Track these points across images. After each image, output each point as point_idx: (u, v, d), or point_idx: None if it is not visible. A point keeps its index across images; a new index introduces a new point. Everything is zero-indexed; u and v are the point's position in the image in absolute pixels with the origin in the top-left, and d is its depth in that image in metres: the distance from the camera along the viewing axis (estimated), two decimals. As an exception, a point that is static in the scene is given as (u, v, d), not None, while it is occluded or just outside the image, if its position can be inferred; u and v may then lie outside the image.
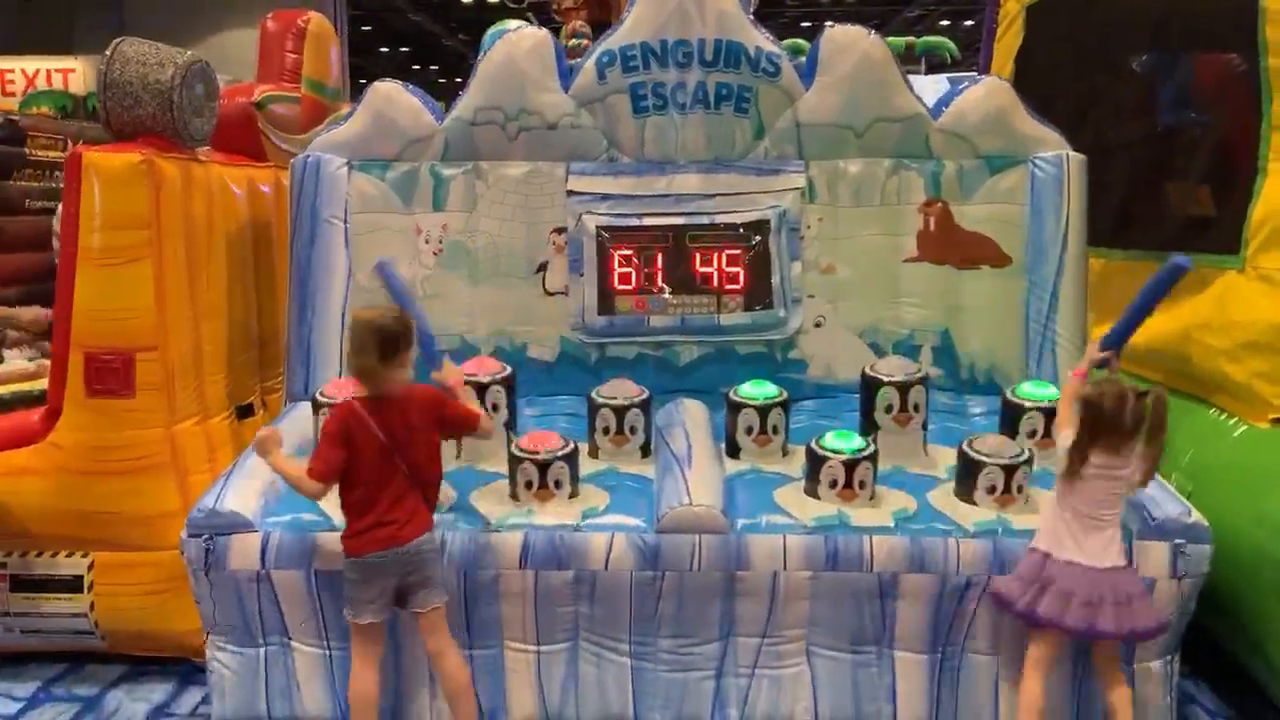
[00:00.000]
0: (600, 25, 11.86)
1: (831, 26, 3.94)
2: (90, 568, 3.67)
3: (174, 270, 3.67)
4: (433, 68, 34.05)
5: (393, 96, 3.97)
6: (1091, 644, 3.05)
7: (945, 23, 26.56)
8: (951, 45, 16.26)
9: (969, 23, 26.47)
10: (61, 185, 6.40)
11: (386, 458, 2.93)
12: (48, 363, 4.16)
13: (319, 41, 4.91)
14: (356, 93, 5.63)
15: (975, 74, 8.34)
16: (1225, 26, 3.88)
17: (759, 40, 3.88)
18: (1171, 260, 3.27)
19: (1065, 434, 2.98)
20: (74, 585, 3.67)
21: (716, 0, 3.84)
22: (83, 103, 8.58)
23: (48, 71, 18.41)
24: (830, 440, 3.33)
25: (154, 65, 3.68)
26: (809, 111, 3.92)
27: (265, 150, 4.52)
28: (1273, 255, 3.45)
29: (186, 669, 3.77)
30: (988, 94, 3.92)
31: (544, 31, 4.01)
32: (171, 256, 3.66)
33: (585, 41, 10.66)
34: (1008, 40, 5.87)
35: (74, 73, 18.50)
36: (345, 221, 3.93)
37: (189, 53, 3.80)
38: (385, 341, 2.91)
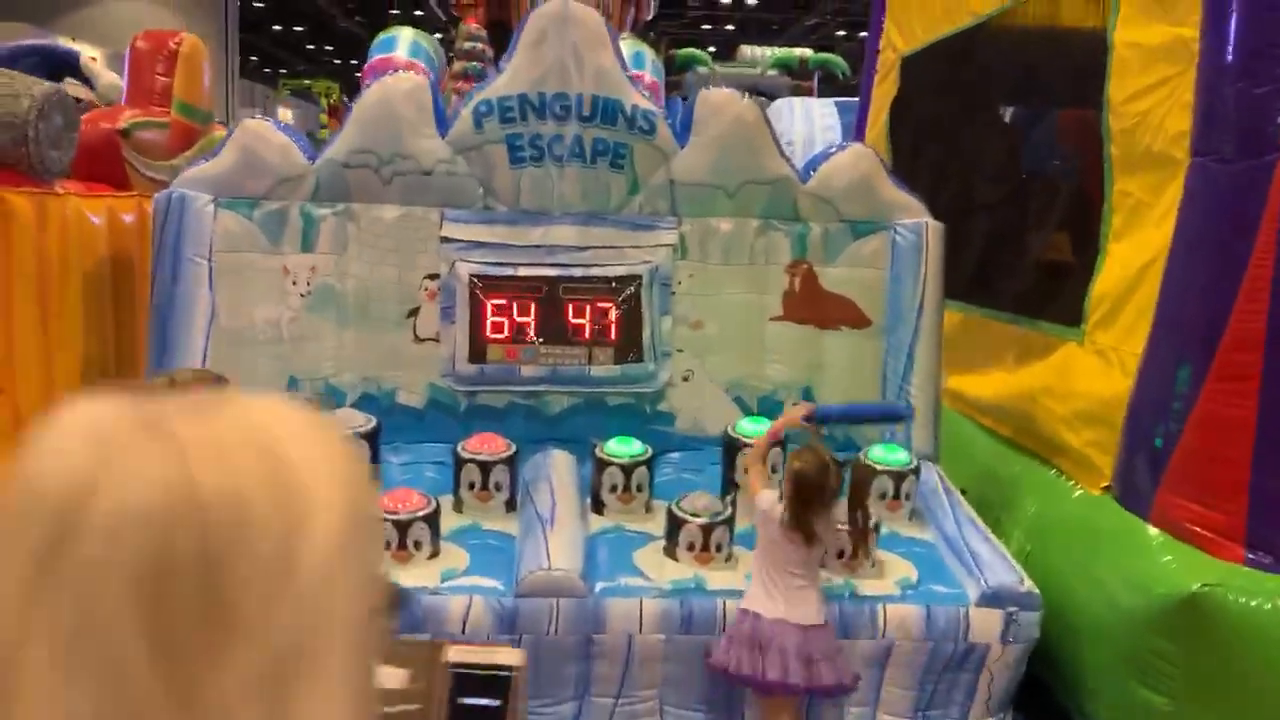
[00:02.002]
0: (498, 25, 11.81)
1: (708, 89, 4.02)
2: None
3: (24, 309, 3.56)
4: (327, 48, 33.26)
5: (263, 134, 3.90)
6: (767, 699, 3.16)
7: (842, 33, 27.12)
8: (843, 63, 16.69)
9: (865, 34, 27.14)
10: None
11: None
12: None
13: (191, 63, 4.77)
14: (247, 71, 5.48)
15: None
16: (1084, 96, 4.09)
17: (636, 98, 3.93)
18: (900, 406, 3.81)
19: (765, 495, 3.13)
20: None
21: (595, 57, 3.87)
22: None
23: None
24: (690, 502, 3.42)
25: (7, 96, 3.54)
26: (683, 170, 3.99)
27: (129, 178, 4.39)
28: (1108, 333, 3.65)
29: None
30: (854, 160, 4.05)
31: (422, 78, 4.00)
32: (22, 295, 3.54)
33: (480, 45, 10.59)
34: (886, 87, 6.07)
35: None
36: (210, 260, 3.85)
37: (46, 82, 3.67)
38: None
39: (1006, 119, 5.06)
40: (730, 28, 29.16)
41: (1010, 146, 5.00)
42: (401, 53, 7.81)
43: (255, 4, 25.75)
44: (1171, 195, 3.35)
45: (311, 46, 32.53)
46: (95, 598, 0.54)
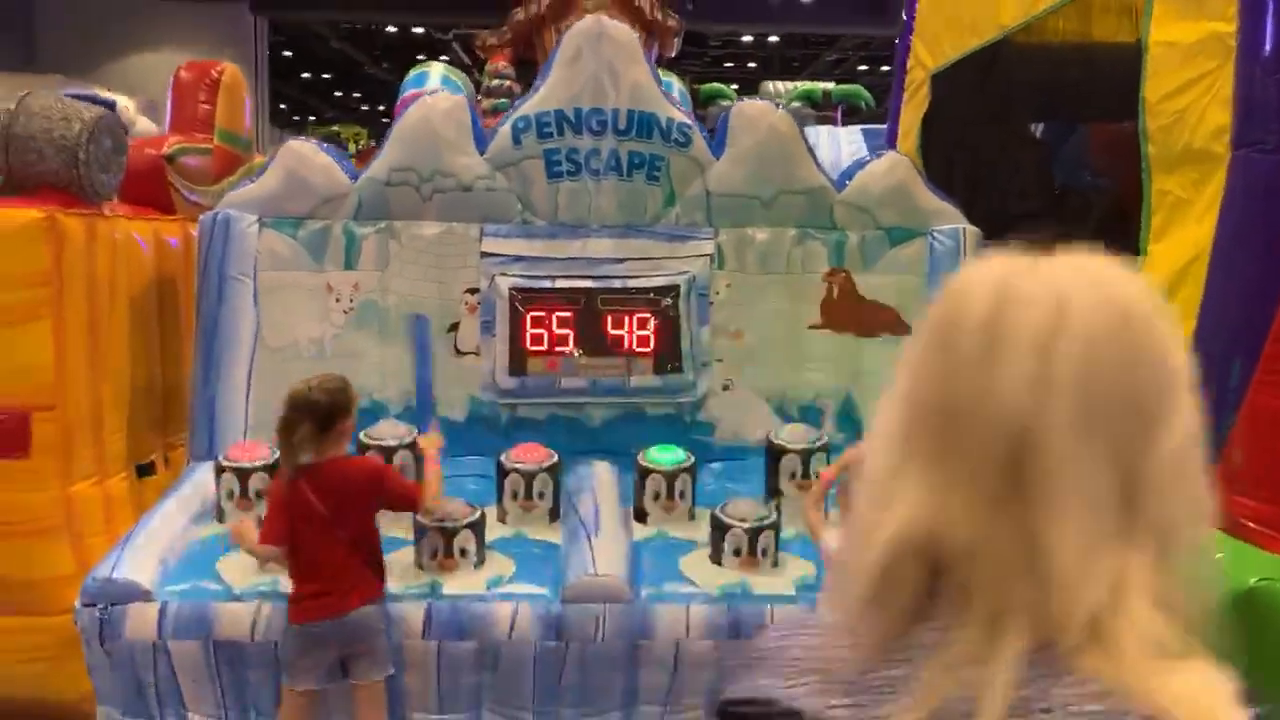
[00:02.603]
0: (525, 64, 11.96)
1: (741, 100, 4.05)
2: (-23, 633, 3.55)
3: (75, 328, 3.61)
4: (355, 94, 33.78)
5: (306, 155, 3.97)
6: None
7: (864, 68, 27.25)
8: (867, 94, 16.76)
9: (886, 69, 27.25)
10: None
11: (325, 528, 2.92)
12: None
13: (232, 92, 4.87)
14: (276, 118, 5.60)
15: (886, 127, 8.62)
16: (1118, 103, 4.09)
17: (671, 111, 3.97)
18: None
19: (831, 536, 2.82)
20: (-41, 651, 3.55)
21: (630, 73, 3.93)
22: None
23: (-47, 91, 17.85)
24: (734, 508, 3.40)
25: (59, 120, 3.63)
26: (718, 181, 4.02)
27: (174, 202, 4.47)
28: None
29: (77, 737, 3.66)
30: (889, 168, 4.06)
31: (461, 96, 4.07)
32: (72, 314, 3.60)
33: (508, 82, 10.74)
34: (915, 104, 6.09)
35: (-19, 92, 17.96)
36: (254, 279, 3.90)
37: (97, 107, 3.76)
38: (321, 415, 2.91)
39: (1038, 128, 5.06)
40: (752, 65, 29.38)
41: (1043, 155, 5.01)
42: (433, 87, 7.95)
43: (284, 53, 26.26)
44: (1212, 191, 3.33)
45: (339, 93, 33.05)
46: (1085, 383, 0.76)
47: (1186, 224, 3.48)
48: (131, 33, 20.87)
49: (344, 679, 3.02)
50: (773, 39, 27.19)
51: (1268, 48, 3.08)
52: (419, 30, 24.63)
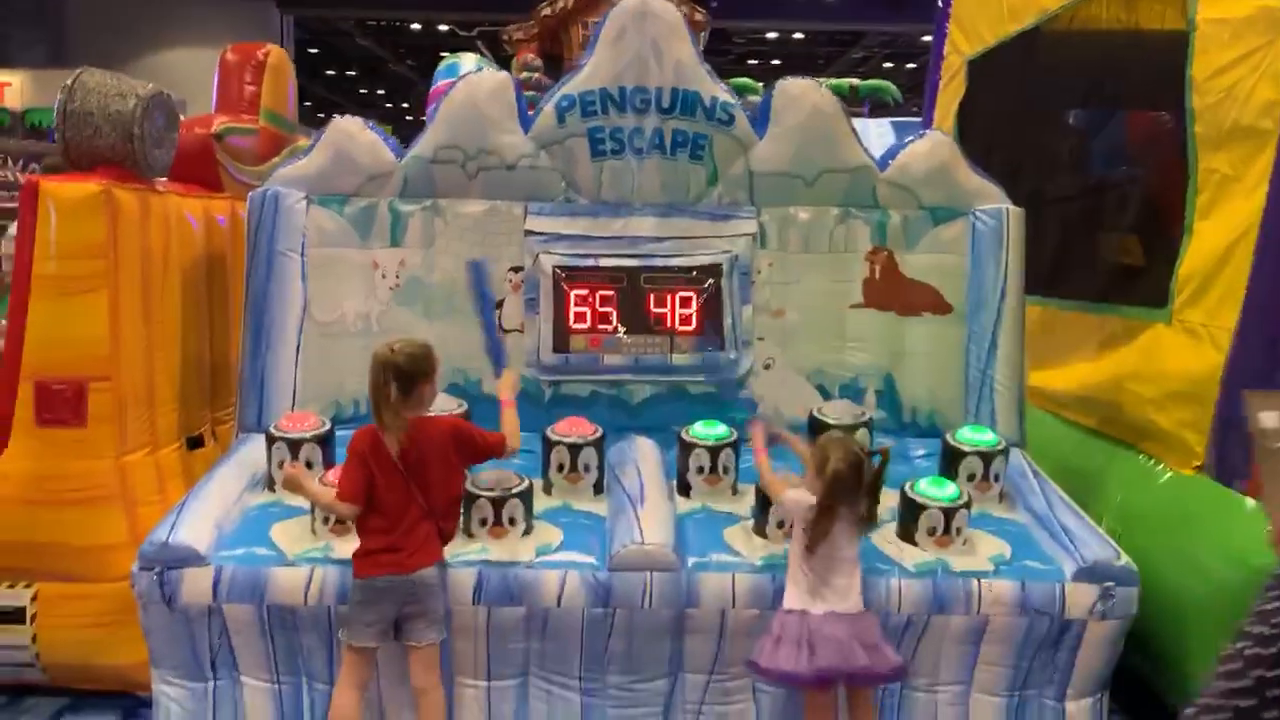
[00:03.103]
0: (552, 58, 12.02)
1: (772, 67, 4.06)
2: (34, 599, 3.62)
3: (129, 300, 3.67)
4: (379, 91, 33.95)
5: (353, 133, 4.01)
6: (849, 696, 3.14)
7: (889, 65, 27.17)
8: (894, 89, 16.70)
9: (911, 65, 27.16)
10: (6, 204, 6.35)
11: (403, 485, 2.99)
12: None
13: (277, 74, 4.94)
14: (301, 114, 5.67)
15: (919, 119, 8.64)
16: (1156, 89, 4.09)
17: (715, 90, 3.99)
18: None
19: (790, 495, 3.11)
20: (16, 616, 3.62)
21: (674, 50, 3.95)
22: (21, 118, 8.47)
23: (-19, 84, 18.08)
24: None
25: (115, 96, 3.69)
26: (761, 160, 4.04)
27: (221, 181, 4.53)
28: (1197, 310, 3.62)
29: (129, 703, 3.73)
30: (932, 148, 4.07)
31: (505, 74, 4.10)
32: (127, 286, 3.66)
33: (537, 75, 10.79)
34: (951, 92, 6.11)
35: (10, 86, 18.21)
36: (302, 255, 3.95)
37: (150, 84, 3.82)
38: (403, 378, 2.98)
39: (1079, 111, 5.05)
40: (776, 62, 29.36)
41: (1084, 139, 5.00)
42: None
43: (309, 50, 26.43)
44: (1261, 166, 3.34)
45: (364, 90, 33.23)
46: None
47: (1234, 201, 3.48)
48: (159, 29, 21.08)
49: (398, 640, 3.07)
50: (797, 36, 27.15)
51: (1319, 22, 3.09)
52: (444, 27, 24.76)
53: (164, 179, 4.11)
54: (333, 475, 3.23)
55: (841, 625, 3.00)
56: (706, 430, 3.73)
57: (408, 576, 3.00)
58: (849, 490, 3.04)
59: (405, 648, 3.08)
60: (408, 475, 3.00)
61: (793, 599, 3.08)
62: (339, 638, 3.09)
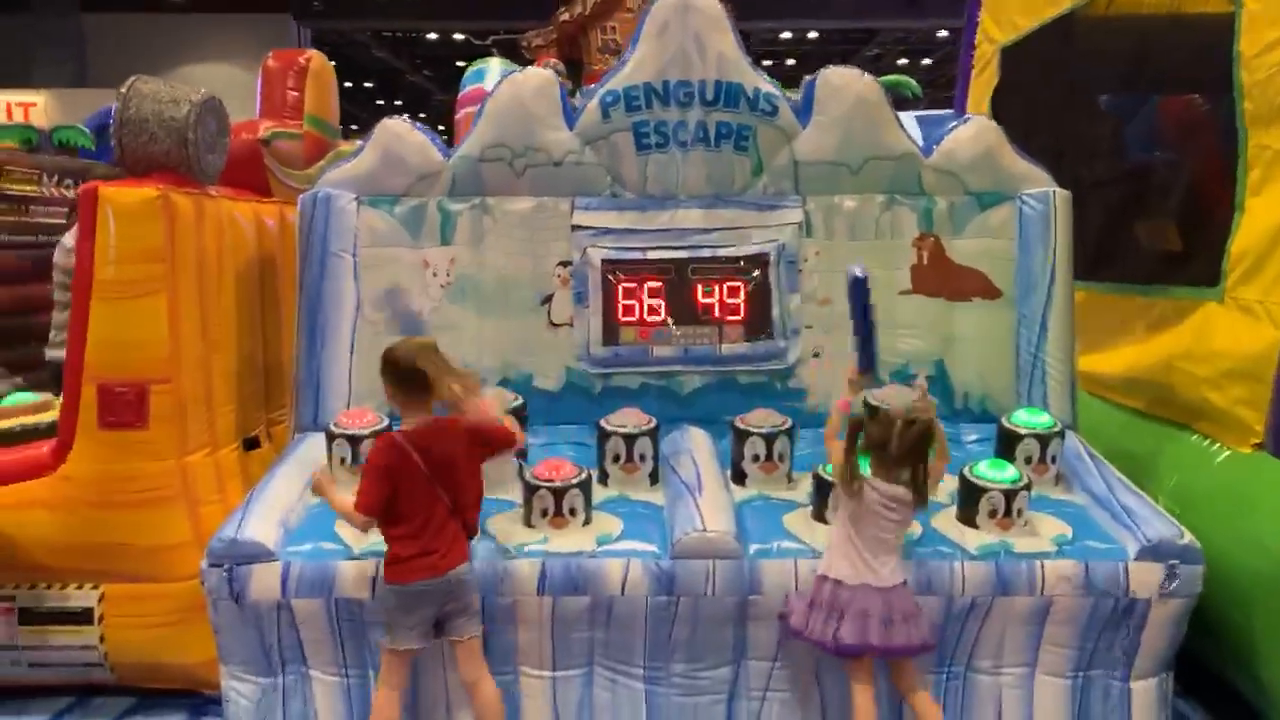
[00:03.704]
0: (571, 63, 12.06)
1: (828, 69, 4.09)
2: (100, 599, 3.67)
3: (187, 303, 3.72)
4: (397, 103, 34.15)
5: (401, 134, 4.05)
6: (890, 662, 3.16)
7: (903, 61, 27.13)
8: (914, 83, 16.59)
9: (927, 61, 27.10)
10: (37, 219, 6.44)
11: (428, 488, 3.00)
12: (52, 396, 4.19)
13: (320, 80, 4.99)
14: None
15: (943, 112, 8.62)
16: (1198, 69, 4.08)
17: (758, 81, 4.01)
18: (850, 272, 3.43)
19: (834, 445, 3.22)
20: (84, 617, 3.67)
21: (716, 43, 3.97)
22: (49, 136, 8.56)
23: (9, 105, 18.34)
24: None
25: (169, 102, 3.74)
26: (805, 149, 4.05)
27: (270, 185, 4.58)
28: (1251, 287, 3.61)
29: (196, 701, 3.78)
30: (977, 133, 4.07)
31: (550, 72, 4.13)
32: (185, 290, 3.71)
33: (559, 78, 10.75)
34: (984, 80, 6.10)
35: (35, 106, 18.46)
36: (354, 255, 3.99)
37: (202, 90, 3.87)
38: (415, 375, 2.99)
39: (1117, 97, 5.04)
40: (791, 62, 29.35)
41: (1124, 124, 4.98)
42: (493, 83, 8.00)
43: (327, 62, 26.64)
44: (1315, 141, 3.33)
45: (381, 101, 33.44)
46: None
47: (1288, 177, 3.47)
48: (179, 47, 21.34)
49: (438, 638, 3.11)
50: (812, 35, 27.13)
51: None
52: (459, 36, 24.90)
53: (215, 183, 4.15)
54: None
55: (873, 598, 3.03)
56: (761, 418, 3.74)
57: (446, 576, 3.02)
58: (873, 442, 3.07)
59: (450, 644, 3.11)
60: (433, 477, 3.01)
61: (826, 565, 3.12)
62: (378, 642, 3.11)
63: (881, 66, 27.37)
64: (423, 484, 3.01)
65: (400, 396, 3.08)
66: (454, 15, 23.93)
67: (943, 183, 4.07)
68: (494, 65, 8.88)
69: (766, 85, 4.03)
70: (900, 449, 3.07)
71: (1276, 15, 3.49)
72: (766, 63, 28.94)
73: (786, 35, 27.47)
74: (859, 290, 3.39)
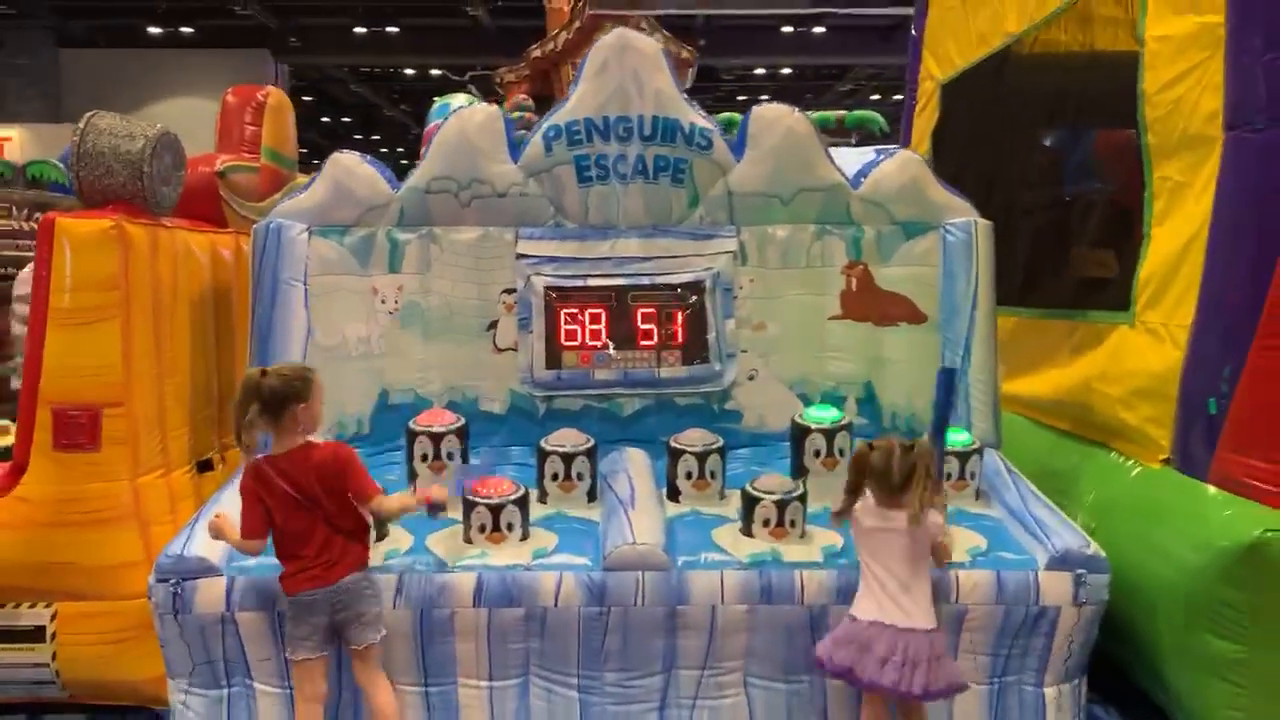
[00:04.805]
0: (542, 99, 12.28)
1: (760, 103, 4.29)
2: (53, 618, 3.77)
3: (141, 329, 3.86)
4: (374, 137, 34.41)
5: (351, 167, 4.20)
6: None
7: (876, 97, 27.58)
8: (880, 119, 16.89)
9: (898, 97, 27.57)
10: (4, 252, 6.52)
11: (301, 509, 3.14)
12: (10, 422, 4.30)
13: (277, 114, 5.16)
14: (299, 163, 5.88)
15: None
16: (1112, 105, 4.30)
17: (693, 117, 4.20)
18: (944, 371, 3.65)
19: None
20: (36, 635, 3.77)
21: (654, 81, 4.16)
22: (22, 171, 8.69)
23: (-17, 140, 18.48)
24: (763, 482, 3.60)
25: (124, 137, 3.90)
26: (739, 181, 4.23)
27: (226, 217, 4.73)
28: (1157, 311, 3.80)
29: (145, 717, 3.87)
30: (901, 166, 4.27)
31: (494, 108, 4.31)
32: (139, 316, 3.85)
33: (529, 115, 11.02)
34: (926, 116, 6.34)
35: (10, 141, 18.57)
36: (305, 283, 4.14)
37: (158, 125, 4.03)
38: (272, 401, 3.11)
39: (1044, 131, 5.27)
40: (765, 98, 29.85)
41: (1050, 157, 5.21)
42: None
43: (304, 98, 26.85)
44: (1208, 171, 3.54)
45: (359, 136, 33.69)
46: None
47: (1186, 204, 3.68)
48: (155, 82, 21.55)
49: (337, 645, 3.24)
50: (785, 71, 27.57)
51: (1256, 37, 3.30)
52: (436, 72, 25.21)
53: (171, 215, 4.30)
54: None
55: (886, 637, 3.11)
56: (693, 437, 3.90)
57: (334, 585, 3.15)
58: (876, 474, 3.19)
59: (349, 651, 3.25)
60: (304, 500, 3.13)
61: (854, 608, 3.23)
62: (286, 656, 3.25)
63: (854, 103, 27.81)
64: (293, 505, 3.14)
65: (268, 422, 3.15)
66: (431, 52, 24.28)
67: (870, 213, 4.26)
68: (458, 101, 9.08)
69: (702, 120, 4.22)
70: (901, 473, 3.18)
71: (1174, 54, 3.71)
72: (741, 98, 29.40)
73: (760, 71, 27.91)
74: (947, 381, 3.57)
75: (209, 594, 3.32)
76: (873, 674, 3.11)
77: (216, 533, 3.22)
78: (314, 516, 3.15)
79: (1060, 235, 4.85)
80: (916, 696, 3.14)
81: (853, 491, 3.26)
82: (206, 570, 3.34)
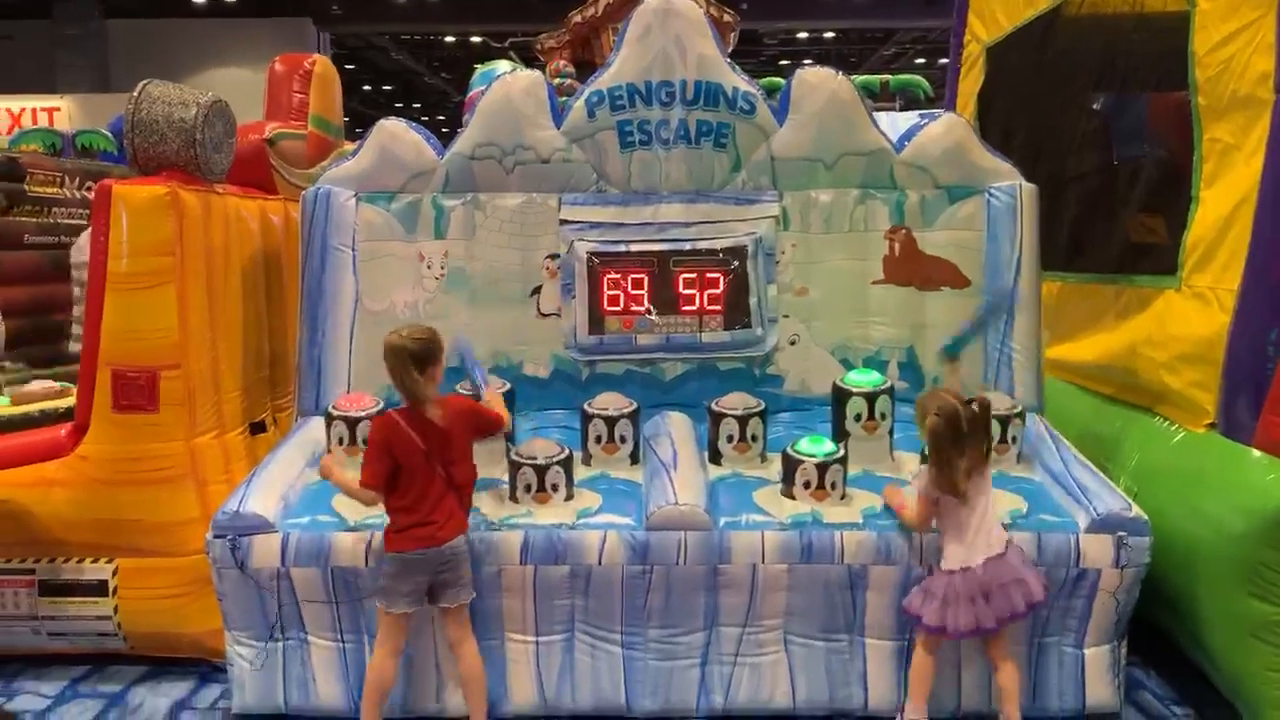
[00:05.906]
0: (583, 64, 12.22)
1: (804, 67, 4.27)
2: (114, 573, 3.90)
3: (195, 294, 3.95)
4: (415, 105, 34.51)
5: (397, 134, 4.26)
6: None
7: (920, 61, 27.19)
8: (925, 83, 16.71)
9: (944, 60, 27.16)
10: (59, 220, 6.68)
11: (425, 463, 3.23)
12: (71, 385, 4.43)
13: (324, 82, 5.22)
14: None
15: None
16: (1162, 67, 4.24)
17: (736, 81, 4.20)
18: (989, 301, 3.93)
19: (912, 487, 3.46)
20: (99, 590, 3.90)
21: (697, 45, 4.16)
22: (71, 141, 8.85)
23: (33, 110, 18.80)
24: (804, 445, 3.63)
25: (178, 105, 3.97)
26: (782, 146, 4.24)
27: (275, 184, 4.81)
28: (1204, 275, 3.77)
29: (204, 668, 4.00)
30: (946, 129, 4.25)
31: (538, 73, 4.33)
32: (193, 281, 3.94)
33: (570, 80, 11.02)
34: (971, 79, 6.26)
35: (59, 111, 18.89)
36: (353, 249, 4.21)
37: (210, 93, 4.10)
38: (416, 359, 3.23)
39: (1092, 94, 5.20)
40: (808, 62, 29.50)
41: (1097, 120, 5.14)
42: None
43: (346, 66, 26.99)
44: (1259, 134, 3.49)
45: (400, 104, 33.81)
46: None
47: (1235, 168, 3.64)
48: (200, 51, 21.75)
49: (432, 604, 3.32)
50: (828, 35, 27.24)
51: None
52: (476, 39, 25.20)
53: (223, 182, 4.38)
54: None
55: (972, 578, 3.26)
56: (735, 400, 3.94)
57: (442, 548, 3.24)
58: (954, 438, 3.25)
59: (440, 610, 3.34)
60: (430, 453, 3.23)
61: (950, 561, 3.33)
62: (376, 605, 3.33)
63: (899, 68, 27.44)
64: (420, 459, 3.23)
65: (410, 378, 3.26)
66: (471, 19, 24.24)
67: (914, 177, 4.25)
68: (502, 67, 9.11)
69: (745, 84, 4.22)
70: (973, 427, 3.29)
71: (1226, 13, 3.65)
72: (784, 63, 29.11)
73: (803, 35, 27.60)
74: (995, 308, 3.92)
75: (264, 549, 3.43)
76: (970, 623, 3.26)
77: (326, 473, 3.34)
78: (433, 473, 3.25)
79: (1107, 199, 4.79)
80: (1011, 617, 3.28)
81: (953, 467, 3.26)
82: (262, 526, 3.44)
